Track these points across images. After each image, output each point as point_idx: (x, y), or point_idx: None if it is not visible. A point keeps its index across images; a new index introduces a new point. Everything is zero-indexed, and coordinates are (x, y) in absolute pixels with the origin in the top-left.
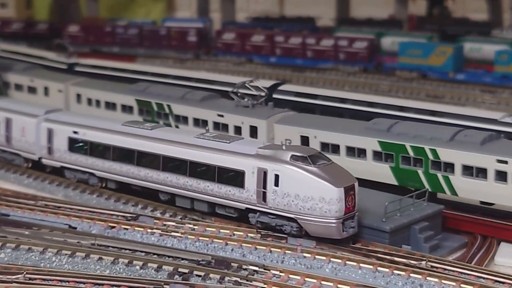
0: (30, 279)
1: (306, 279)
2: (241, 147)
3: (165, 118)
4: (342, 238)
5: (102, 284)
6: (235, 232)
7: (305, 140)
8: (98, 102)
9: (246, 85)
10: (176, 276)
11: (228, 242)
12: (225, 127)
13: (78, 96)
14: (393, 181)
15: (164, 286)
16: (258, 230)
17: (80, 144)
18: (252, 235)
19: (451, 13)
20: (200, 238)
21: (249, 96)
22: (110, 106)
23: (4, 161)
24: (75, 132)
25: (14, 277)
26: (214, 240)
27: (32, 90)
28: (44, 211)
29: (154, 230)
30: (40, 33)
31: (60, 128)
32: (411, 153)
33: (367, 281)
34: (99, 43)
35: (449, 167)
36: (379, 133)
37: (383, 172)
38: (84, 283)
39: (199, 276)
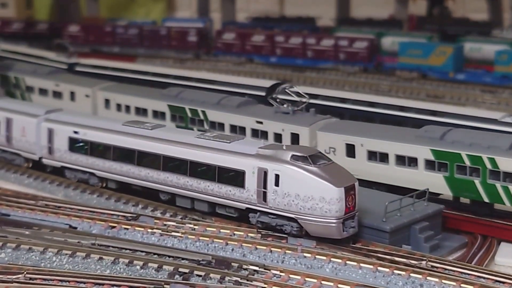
0: (30, 279)
1: (307, 279)
2: (241, 147)
3: (200, 124)
4: (342, 238)
5: (103, 284)
6: (235, 232)
7: (350, 148)
8: (128, 108)
9: (286, 90)
10: (177, 276)
11: (229, 242)
12: (264, 134)
13: (107, 102)
14: (447, 191)
15: (165, 286)
16: (259, 230)
17: (81, 144)
18: (252, 235)
19: (451, 13)
20: (201, 238)
21: (289, 101)
22: (141, 112)
23: (5, 161)
24: (75, 132)
25: (14, 277)
26: (215, 240)
27: (57, 95)
28: (44, 211)
29: (155, 230)
30: (40, 33)
31: (61, 128)
32: (467, 162)
33: (367, 281)
34: (99, 43)
35: (509, 177)
36: (432, 141)
37: (436, 182)
38: (84, 283)
39: (200, 276)
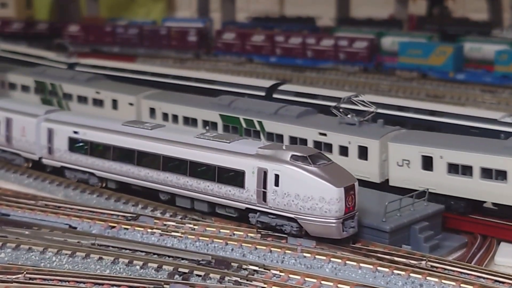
0: (30, 279)
1: (306, 279)
2: (241, 147)
3: (256, 135)
4: (342, 238)
5: (102, 284)
6: (235, 232)
7: (427, 161)
8: (175, 117)
9: (352, 100)
10: (176, 276)
11: (228, 242)
12: (327, 147)
13: (152, 110)
14: None
15: (164, 286)
16: (258, 230)
17: (80, 144)
18: (252, 235)
19: (451, 13)
20: (200, 238)
21: (354, 111)
22: (190, 121)
23: (5, 161)
24: (75, 132)
25: (14, 277)
26: (214, 240)
27: (98, 102)
28: (44, 211)
29: (154, 230)
30: (40, 33)
31: (60, 128)
32: None
33: (367, 281)
34: (99, 43)
35: None
36: None
37: None
38: (84, 283)
39: (199, 276)
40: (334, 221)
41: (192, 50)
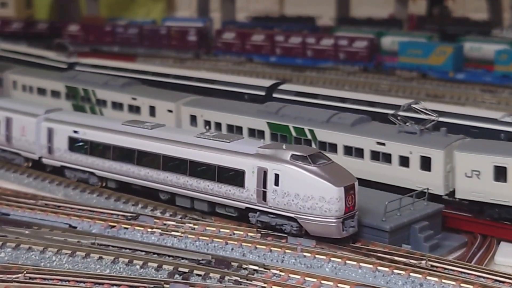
0: (30, 278)
1: (306, 278)
2: (241, 147)
3: (307, 144)
4: (342, 238)
5: (102, 284)
6: (235, 232)
7: (501, 171)
8: (218, 125)
9: (412, 107)
10: (176, 276)
11: (228, 242)
12: (386, 157)
13: (193, 118)
14: None
15: (164, 285)
16: (258, 229)
17: (80, 143)
18: (252, 234)
19: (451, 12)
20: (200, 237)
21: (413, 119)
22: (234, 130)
23: (4, 161)
24: (75, 132)
25: (14, 276)
26: (214, 239)
27: (134, 109)
28: (44, 211)
29: (154, 230)
30: (40, 32)
31: (60, 127)
32: None
33: (367, 281)
34: (99, 42)
35: None
36: None
37: None
38: (84, 282)
39: (199, 275)
40: (334, 220)
41: (192, 50)
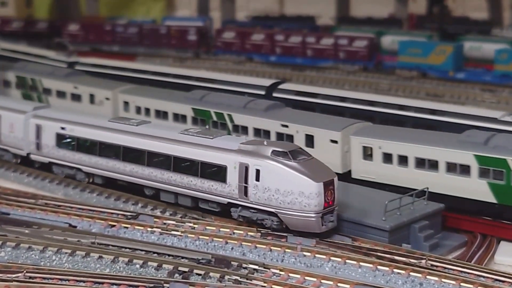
0: (30, 277)
1: (306, 277)
2: (223, 143)
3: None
4: (322, 232)
5: (102, 283)
6: (235, 231)
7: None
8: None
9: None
10: (176, 275)
11: (228, 241)
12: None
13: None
14: None
15: (164, 285)
16: (258, 229)
17: (68, 140)
18: (252, 234)
19: (451, 11)
20: (200, 236)
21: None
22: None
23: None
24: (62, 128)
25: (14, 275)
26: (214, 238)
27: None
28: (44, 210)
29: (154, 229)
30: (40, 31)
31: (48, 124)
32: None
33: (367, 280)
34: (99, 41)
35: None
36: None
37: None
38: (84, 281)
39: (199, 274)
40: (313, 215)
41: (192, 49)
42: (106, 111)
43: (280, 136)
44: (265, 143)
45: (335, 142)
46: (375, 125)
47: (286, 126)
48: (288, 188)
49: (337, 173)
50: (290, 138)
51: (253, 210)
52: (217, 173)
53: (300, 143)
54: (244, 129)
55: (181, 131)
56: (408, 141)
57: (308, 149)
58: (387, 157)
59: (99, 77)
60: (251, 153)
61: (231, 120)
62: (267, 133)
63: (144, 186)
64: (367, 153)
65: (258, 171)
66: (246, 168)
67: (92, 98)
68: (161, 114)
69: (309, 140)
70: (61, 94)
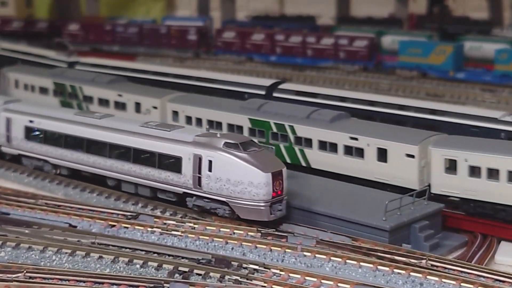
0: (30, 277)
1: (306, 277)
2: (180, 135)
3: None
4: (270, 220)
5: (102, 283)
6: (235, 231)
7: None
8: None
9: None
10: (176, 275)
11: (228, 241)
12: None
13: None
14: None
15: (164, 285)
16: (258, 229)
17: (36, 132)
18: (252, 234)
19: (451, 11)
20: (200, 236)
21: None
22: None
23: None
24: (30, 121)
25: (14, 275)
26: (214, 238)
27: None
28: (44, 210)
29: (154, 229)
30: (40, 31)
31: (17, 117)
32: None
33: (367, 280)
34: (99, 41)
35: None
36: None
37: None
38: (84, 281)
39: (199, 275)
40: (262, 204)
41: (192, 49)
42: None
43: (348, 149)
44: (218, 135)
45: (412, 156)
46: (456, 136)
47: (356, 139)
48: (238, 178)
49: (412, 189)
50: (359, 151)
51: (206, 200)
52: (173, 164)
53: (371, 158)
54: (308, 142)
55: (141, 124)
56: (500, 153)
57: (380, 164)
58: (475, 171)
59: (145, 84)
60: (205, 145)
61: (293, 132)
62: (333, 146)
63: (107, 177)
64: (450, 167)
65: (210, 162)
66: (200, 159)
67: (138, 106)
68: (214, 125)
69: (382, 154)
70: (103, 102)
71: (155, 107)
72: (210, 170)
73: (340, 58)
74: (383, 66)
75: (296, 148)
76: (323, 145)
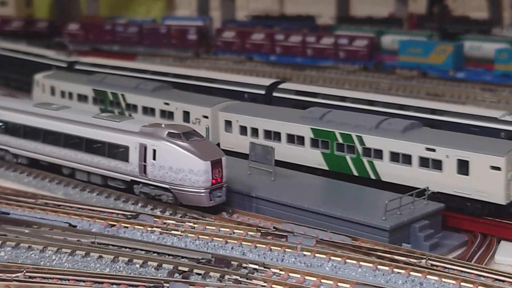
0: (30, 277)
1: (306, 277)
2: (128, 126)
3: None
4: (211, 206)
5: (102, 283)
6: (235, 231)
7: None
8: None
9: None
10: (176, 275)
11: (228, 241)
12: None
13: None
14: None
15: (164, 284)
16: (258, 228)
17: None
18: (252, 233)
19: (451, 11)
20: (200, 236)
21: None
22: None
23: None
24: None
25: (14, 275)
26: (214, 238)
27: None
28: (44, 210)
29: (154, 229)
30: (40, 31)
31: None
32: None
33: (367, 280)
34: (99, 41)
35: None
36: None
37: None
38: (84, 281)
39: (199, 274)
40: (202, 191)
41: (192, 49)
42: (204, 131)
43: (424, 161)
44: (162, 125)
45: (498, 169)
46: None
47: (433, 150)
48: (180, 166)
49: (499, 205)
50: (437, 163)
51: (151, 187)
52: (121, 153)
53: (450, 170)
54: (378, 152)
55: (93, 115)
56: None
57: (460, 177)
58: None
59: (193, 91)
60: (150, 135)
61: (361, 143)
62: (407, 158)
63: (62, 166)
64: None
65: (154, 151)
66: (145, 148)
67: (186, 115)
68: (272, 135)
69: (463, 166)
70: (148, 111)
71: (205, 116)
72: (154, 158)
73: (340, 57)
74: (383, 66)
75: (365, 160)
76: (395, 157)
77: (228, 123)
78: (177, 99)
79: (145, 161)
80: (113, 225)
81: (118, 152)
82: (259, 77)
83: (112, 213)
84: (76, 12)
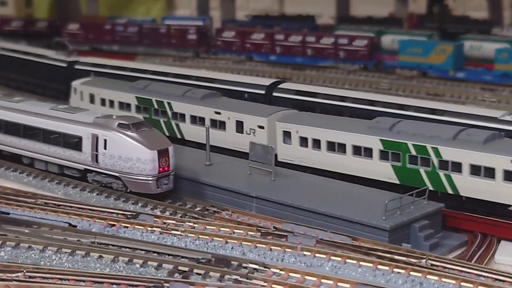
0: (30, 277)
1: (306, 277)
2: (82, 117)
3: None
4: (157, 193)
5: (102, 283)
6: (235, 230)
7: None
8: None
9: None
10: (176, 274)
11: (228, 240)
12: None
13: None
14: None
15: (164, 284)
16: (258, 228)
17: None
18: (252, 233)
19: (451, 11)
20: (200, 236)
21: None
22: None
23: None
24: None
25: (14, 275)
26: (214, 238)
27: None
28: (44, 209)
29: (154, 228)
30: (40, 31)
31: None
32: None
33: (367, 280)
34: (98, 41)
35: None
36: None
37: None
38: (84, 281)
39: (199, 274)
40: (150, 179)
41: (191, 48)
42: (259, 142)
43: (509, 175)
44: (114, 117)
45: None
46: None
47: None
48: (128, 155)
49: None
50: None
51: (103, 175)
52: (75, 143)
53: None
54: (457, 166)
55: (51, 107)
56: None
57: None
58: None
59: (245, 99)
60: (102, 126)
61: (438, 155)
62: (491, 171)
63: (22, 156)
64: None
65: (105, 141)
66: (97, 138)
67: (239, 125)
68: (336, 147)
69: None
70: (197, 120)
71: (261, 127)
72: (105, 148)
73: (340, 57)
74: (383, 66)
75: (441, 173)
76: (476, 170)
77: (287, 134)
78: (229, 108)
79: (97, 150)
80: (113, 225)
81: (73, 142)
82: (259, 77)
83: (112, 213)
84: (76, 12)
